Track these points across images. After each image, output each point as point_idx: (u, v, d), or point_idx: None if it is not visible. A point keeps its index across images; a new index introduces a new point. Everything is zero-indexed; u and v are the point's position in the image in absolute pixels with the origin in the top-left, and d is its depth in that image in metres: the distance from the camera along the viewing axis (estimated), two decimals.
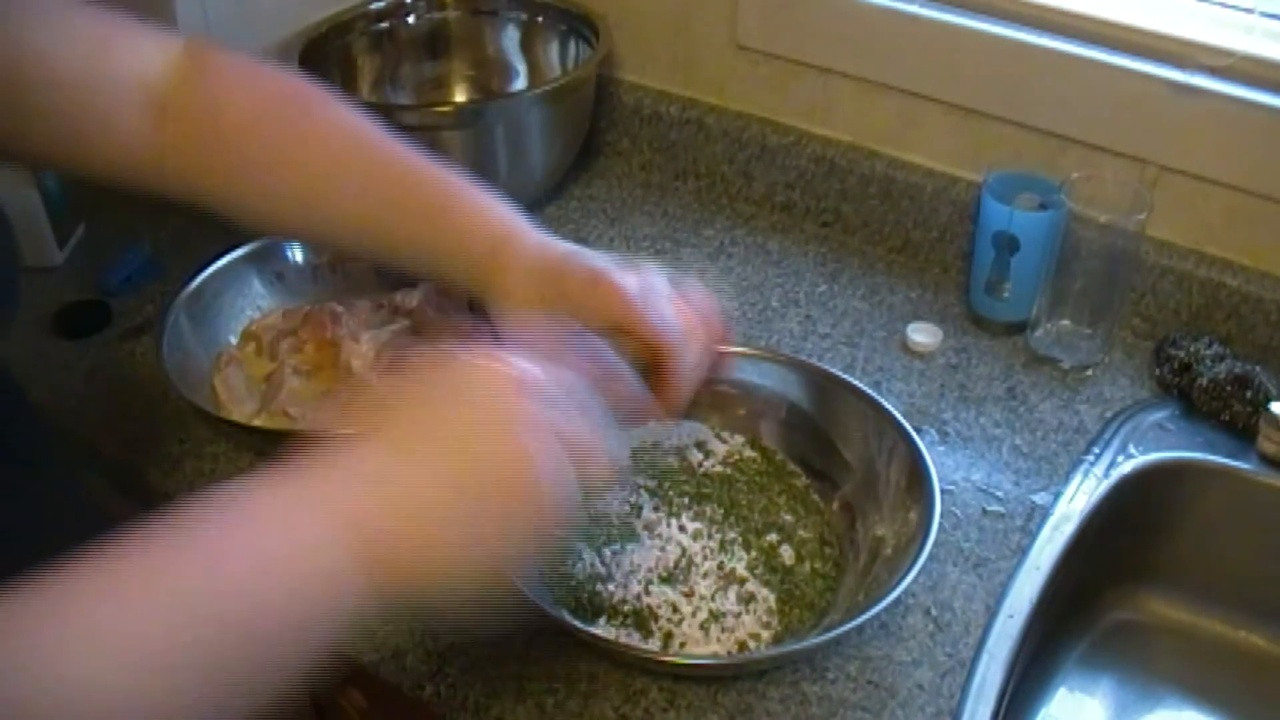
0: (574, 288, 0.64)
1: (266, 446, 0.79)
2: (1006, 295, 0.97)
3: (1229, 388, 0.88)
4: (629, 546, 0.77)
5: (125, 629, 0.40)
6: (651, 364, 0.64)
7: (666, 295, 0.65)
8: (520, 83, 1.24)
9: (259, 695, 0.44)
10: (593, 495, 0.54)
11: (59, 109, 0.63)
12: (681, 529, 0.79)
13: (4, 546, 0.46)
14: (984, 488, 0.85)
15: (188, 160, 0.67)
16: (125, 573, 0.42)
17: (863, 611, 0.68)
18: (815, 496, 0.82)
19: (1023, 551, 0.80)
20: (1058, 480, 0.86)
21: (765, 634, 0.73)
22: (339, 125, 0.69)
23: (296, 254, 0.97)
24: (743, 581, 0.76)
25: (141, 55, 0.66)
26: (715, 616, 0.74)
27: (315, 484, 0.48)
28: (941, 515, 0.73)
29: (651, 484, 0.82)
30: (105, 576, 0.41)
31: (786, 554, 0.78)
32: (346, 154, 0.68)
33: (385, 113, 0.77)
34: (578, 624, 0.71)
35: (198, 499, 0.45)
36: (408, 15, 1.21)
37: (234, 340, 0.92)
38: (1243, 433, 0.88)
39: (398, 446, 0.49)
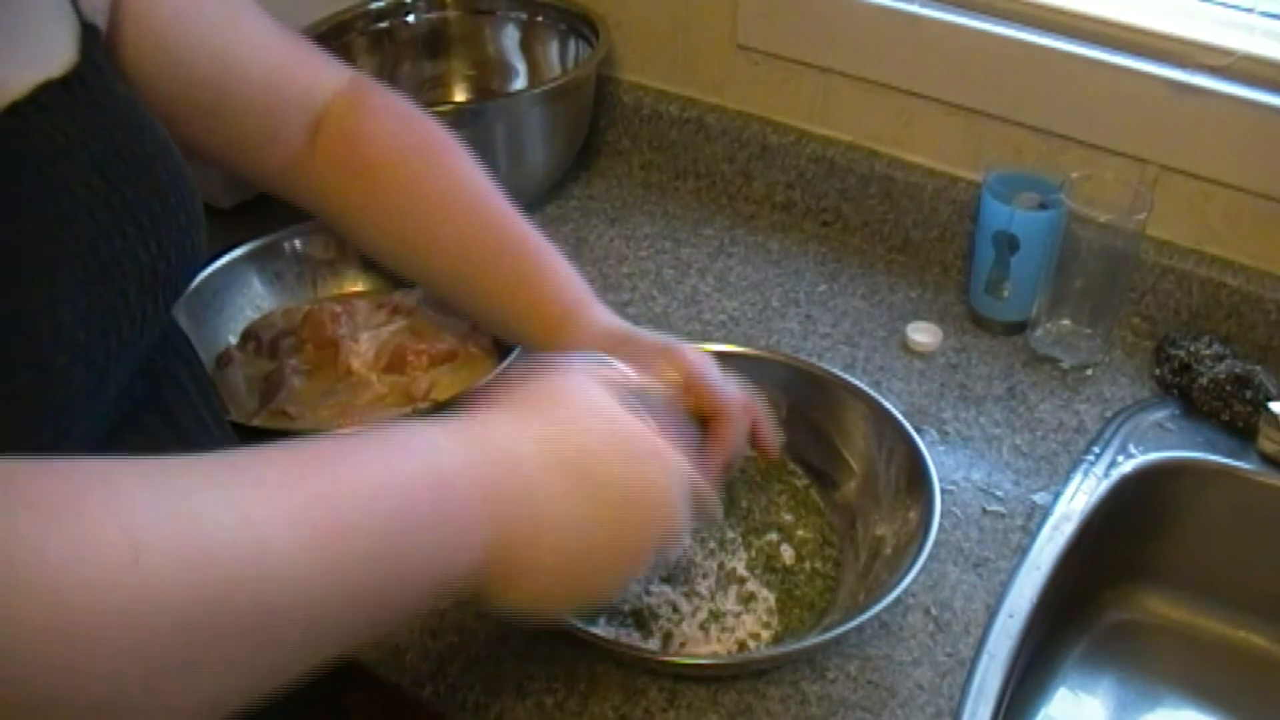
0: (643, 351, 0.67)
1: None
2: (1006, 295, 0.97)
3: (1229, 387, 0.88)
4: None
5: (295, 499, 0.42)
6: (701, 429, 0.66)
7: (719, 373, 0.68)
8: (520, 82, 1.24)
9: (381, 618, 0.45)
10: (699, 515, 0.57)
11: (240, 116, 0.69)
12: None
13: None
14: (984, 487, 0.85)
15: (324, 182, 0.73)
16: (293, 458, 0.44)
17: (863, 611, 0.68)
18: (815, 496, 0.82)
19: (1023, 551, 0.80)
20: (1058, 480, 0.86)
21: (765, 634, 0.73)
22: (456, 184, 0.74)
23: (296, 254, 0.97)
24: (743, 581, 0.76)
25: (315, 80, 0.73)
26: (715, 616, 0.74)
27: (465, 430, 0.49)
28: (941, 515, 0.73)
29: None
30: (276, 455, 0.43)
31: (786, 553, 0.78)
32: (454, 210, 0.74)
33: None
34: (578, 624, 0.71)
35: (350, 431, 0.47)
36: (407, 15, 1.21)
37: (234, 340, 0.92)
38: (1243, 432, 0.88)
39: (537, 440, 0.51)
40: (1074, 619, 0.91)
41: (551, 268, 0.73)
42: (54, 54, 0.51)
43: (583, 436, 0.52)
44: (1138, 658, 0.91)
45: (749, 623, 0.74)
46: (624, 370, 0.58)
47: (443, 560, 0.46)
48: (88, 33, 0.53)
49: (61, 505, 0.36)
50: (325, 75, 0.74)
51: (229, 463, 0.42)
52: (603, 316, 0.72)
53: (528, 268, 0.73)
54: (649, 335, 0.70)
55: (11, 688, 0.33)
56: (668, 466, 0.54)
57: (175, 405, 0.59)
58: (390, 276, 0.97)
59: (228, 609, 0.38)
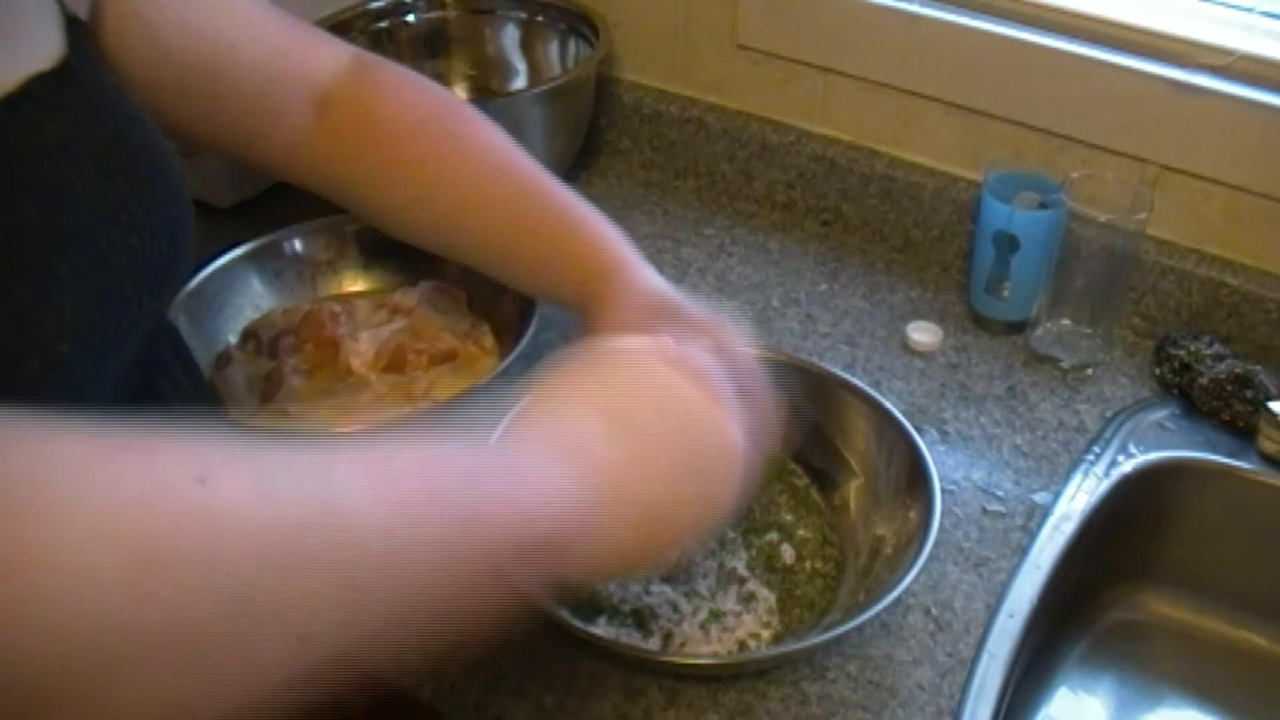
0: (685, 324, 0.66)
1: None
2: (1006, 294, 0.97)
3: (1229, 387, 0.88)
4: None
5: (383, 472, 0.42)
6: None
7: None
8: (520, 82, 1.24)
9: (467, 609, 0.44)
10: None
11: (239, 99, 0.68)
12: None
13: None
14: (984, 487, 0.85)
15: (339, 159, 0.72)
16: (383, 443, 0.44)
17: (863, 611, 0.68)
18: (815, 495, 0.82)
19: (1023, 551, 0.80)
20: (1058, 479, 0.86)
21: (765, 633, 0.73)
22: (483, 146, 0.73)
23: (296, 254, 0.97)
24: (743, 581, 0.76)
25: (316, 59, 0.72)
26: (715, 616, 0.74)
27: (545, 424, 0.50)
28: (942, 514, 0.73)
29: None
30: (365, 442, 0.44)
31: (787, 553, 0.78)
32: (485, 173, 0.73)
33: None
34: (578, 624, 0.71)
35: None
36: (407, 14, 1.21)
37: (234, 340, 0.92)
38: (1243, 432, 0.88)
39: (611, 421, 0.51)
40: (1074, 619, 0.91)
41: (587, 227, 0.71)
42: (43, 47, 0.50)
43: (631, 393, 0.53)
44: (1138, 658, 0.91)
45: (749, 622, 0.74)
46: (683, 347, 0.58)
47: (520, 519, 0.46)
48: (73, 24, 0.53)
49: (130, 444, 0.37)
50: (326, 54, 0.73)
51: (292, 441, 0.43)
52: (644, 278, 0.69)
53: (562, 228, 0.71)
54: (692, 306, 0.68)
55: (74, 615, 0.32)
56: (723, 429, 0.54)
57: (172, 397, 0.59)
58: (391, 275, 0.97)
59: (302, 549, 0.37)
